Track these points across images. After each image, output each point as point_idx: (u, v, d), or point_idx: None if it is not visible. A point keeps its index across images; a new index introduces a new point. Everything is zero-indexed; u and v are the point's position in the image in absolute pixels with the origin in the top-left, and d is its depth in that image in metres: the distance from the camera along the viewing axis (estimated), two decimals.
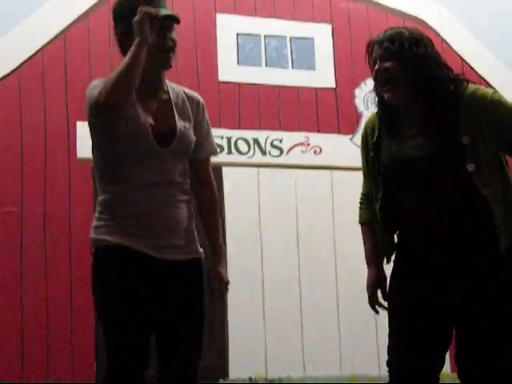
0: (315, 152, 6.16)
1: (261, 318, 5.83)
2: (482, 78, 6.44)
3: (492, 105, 2.34)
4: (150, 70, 2.43)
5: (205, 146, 2.55)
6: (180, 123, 2.44)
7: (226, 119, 5.97)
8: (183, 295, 2.39)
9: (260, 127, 6.07)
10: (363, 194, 2.60)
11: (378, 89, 2.49)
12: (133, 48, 2.30)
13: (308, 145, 6.16)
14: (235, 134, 6.00)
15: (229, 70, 6.05)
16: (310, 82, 6.30)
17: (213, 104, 5.95)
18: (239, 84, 6.03)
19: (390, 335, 2.47)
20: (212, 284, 2.51)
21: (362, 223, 2.59)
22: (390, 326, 2.48)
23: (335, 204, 5.97)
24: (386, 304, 2.51)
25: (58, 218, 5.48)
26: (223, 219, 5.85)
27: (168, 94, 2.51)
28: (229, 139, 5.98)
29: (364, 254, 2.57)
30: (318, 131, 6.21)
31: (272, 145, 6.08)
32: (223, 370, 5.67)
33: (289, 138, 6.13)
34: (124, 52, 2.44)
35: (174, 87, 2.56)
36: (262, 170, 6.00)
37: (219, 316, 5.70)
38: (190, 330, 2.40)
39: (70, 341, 5.36)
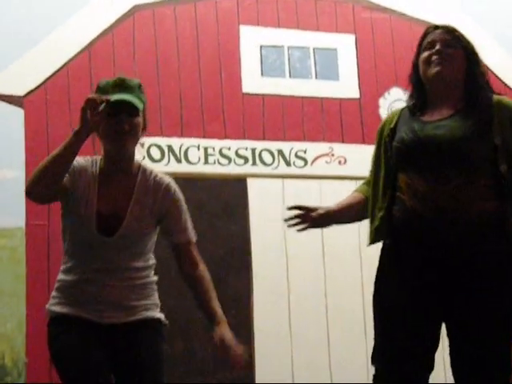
0: (339, 162, 6.15)
1: (287, 329, 5.81)
2: (508, 87, 6.40)
3: None
4: (111, 151, 2.44)
5: (174, 235, 2.59)
6: (132, 212, 2.41)
7: (250, 131, 5.98)
8: (132, 358, 2.42)
9: (284, 138, 6.07)
10: (367, 180, 2.61)
11: (418, 70, 2.48)
12: (69, 137, 2.32)
13: (332, 155, 6.15)
14: (259, 145, 6.01)
15: (252, 81, 6.06)
16: (334, 93, 6.30)
17: (237, 116, 5.97)
18: (263, 95, 6.04)
19: (377, 334, 2.44)
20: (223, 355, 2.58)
21: (356, 190, 2.59)
22: (377, 324, 2.45)
23: None
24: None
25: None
26: (248, 231, 5.86)
27: (135, 178, 2.47)
28: (253, 150, 5.99)
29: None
30: (343, 142, 6.20)
31: (296, 156, 6.08)
32: (250, 381, 5.66)
33: (313, 148, 6.13)
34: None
35: (146, 171, 2.51)
36: (286, 180, 6.00)
37: (245, 328, 5.70)
38: None
39: None
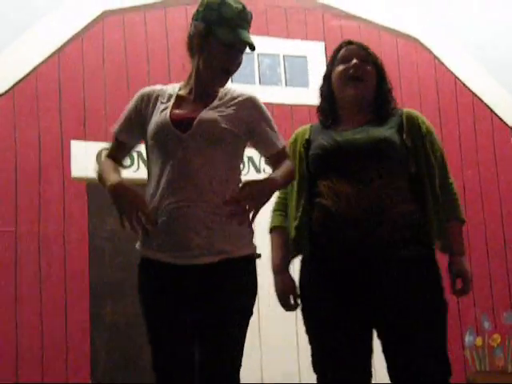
0: None
1: (256, 331, 5.81)
2: (476, 96, 6.47)
3: (427, 133, 2.47)
4: (208, 82, 2.41)
5: (262, 146, 2.51)
6: (207, 113, 2.36)
7: None
8: (214, 303, 2.27)
9: None
10: (279, 199, 2.62)
11: (330, 82, 2.50)
12: (105, 180, 2.47)
13: None
14: None
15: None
16: (304, 100, 6.32)
17: None
18: None
19: (311, 344, 2.46)
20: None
21: (274, 228, 2.59)
22: (310, 335, 2.46)
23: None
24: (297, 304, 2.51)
25: (52, 236, 5.47)
26: None
27: (215, 98, 2.44)
28: None
29: (272, 260, 2.56)
30: None
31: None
32: None
33: None
34: (191, 51, 2.57)
35: (227, 89, 2.50)
36: None
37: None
38: (223, 340, 2.26)
39: (65, 356, 5.33)
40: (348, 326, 2.37)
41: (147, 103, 2.46)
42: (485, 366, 5.86)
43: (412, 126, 2.47)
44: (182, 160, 2.30)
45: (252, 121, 2.43)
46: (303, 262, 2.52)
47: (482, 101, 6.48)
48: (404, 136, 2.43)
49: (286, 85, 6.35)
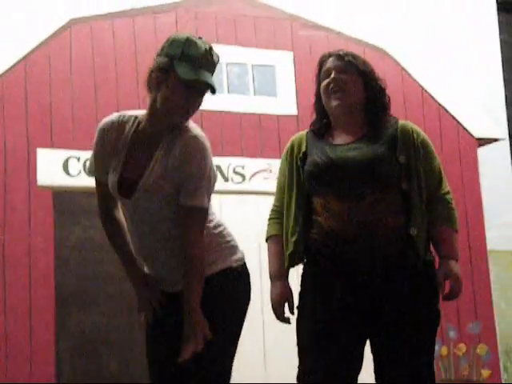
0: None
1: (262, 350, 5.78)
2: (442, 106, 6.53)
3: (422, 145, 2.47)
4: (163, 121, 2.35)
5: (180, 194, 2.35)
6: (148, 177, 2.35)
7: None
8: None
9: (222, 154, 6.08)
10: (275, 207, 2.63)
11: (321, 98, 2.55)
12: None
13: (270, 171, 6.18)
14: None
15: None
16: (272, 109, 6.34)
17: None
18: (201, 111, 6.00)
19: (302, 357, 2.47)
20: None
21: (271, 236, 2.60)
22: (301, 347, 2.47)
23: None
24: (291, 317, 2.51)
25: (18, 245, 5.41)
26: None
27: (164, 136, 2.39)
28: None
29: (269, 268, 2.57)
30: (281, 158, 6.23)
31: (234, 171, 6.10)
32: None
33: (251, 164, 6.15)
34: (149, 86, 2.43)
35: (179, 128, 2.41)
36: (224, 196, 6.00)
37: None
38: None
39: (30, 366, 5.28)
40: (343, 338, 2.39)
41: (108, 143, 2.50)
42: (450, 375, 5.89)
43: (406, 140, 2.47)
44: (137, 221, 2.39)
45: (183, 171, 2.35)
46: (302, 276, 2.54)
47: (449, 112, 6.54)
48: (397, 152, 2.44)
49: (254, 94, 6.36)
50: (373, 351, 2.44)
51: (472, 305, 6.13)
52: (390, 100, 2.58)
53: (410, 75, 6.52)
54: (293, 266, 2.53)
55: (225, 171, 6.06)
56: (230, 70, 6.30)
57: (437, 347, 2.51)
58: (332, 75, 2.52)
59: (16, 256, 5.40)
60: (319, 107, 2.62)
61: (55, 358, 5.34)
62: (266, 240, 2.65)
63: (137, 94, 5.94)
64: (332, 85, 2.52)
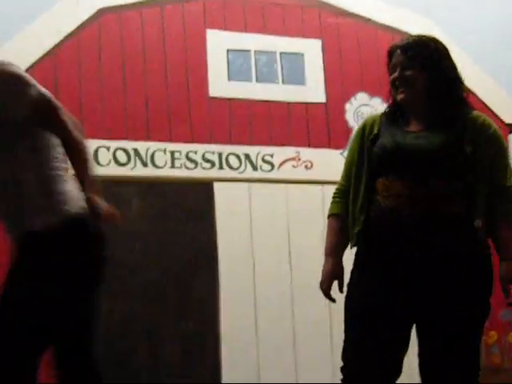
0: (306, 167, 6.17)
1: (253, 332, 5.82)
2: (472, 92, 6.47)
3: (492, 138, 2.46)
4: None
5: None
6: None
7: (216, 134, 5.98)
8: None
9: (251, 142, 6.08)
10: (341, 186, 2.64)
11: (392, 90, 2.57)
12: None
13: (299, 160, 6.17)
14: (226, 149, 6.01)
15: (219, 85, 6.06)
16: (301, 97, 6.32)
17: (203, 119, 5.97)
18: (230, 99, 6.04)
19: (347, 331, 2.47)
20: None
21: (333, 214, 2.61)
22: (349, 320, 2.48)
23: (326, 218, 5.96)
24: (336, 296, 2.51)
25: None
26: (215, 234, 5.86)
27: None
28: (220, 154, 5.99)
29: (325, 244, 2.57)
30: (309, 146, 6.22)
31: (263, 160, 6.10)
32: (216, 382, 5.67)
33: (280, 152, 6.14)
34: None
35: None
36: (253, 184, 6.00)
37: (212, 331, 5.70)
38: None
39: None
40: (390, 318, 2.40)
41: None
42: (481, 362, 5.86)
43: (476, 131, 2.47)
44: None
45: None
46: (357, 254, 2.55)
47: (479, 98, 6.48)
48: (465, 143, 2.44)
49: (282, 82, 6.35)
50: (418, 336, 2.44)
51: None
52: (463, 90, 2.57)
53: None
54: (357, 245, 2.55)
55: (254, 160, 6.06)
56: (259, 58, 6.29)
57: None
58: (396, 72, 2.54)
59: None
60: (392, 95, 2.63)
61: None
62: (328, 217, 2.65)
63: (165, 84, 5.96)
64: (398, 82, 2.54)
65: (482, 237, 2.41)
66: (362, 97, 6.41)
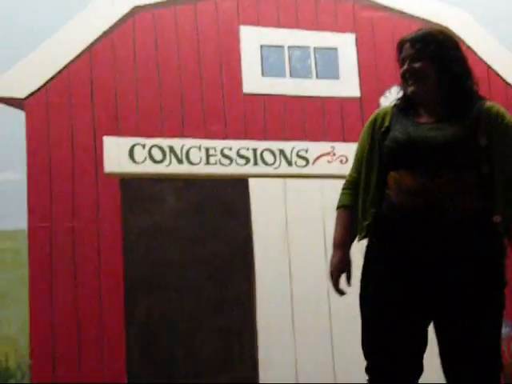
0: (341, 161, 6.15)
1: (290, 328, 5.81)
2: (508, 84, 6.40)
3: (507, 128, 2.43)
4: None
5: None
6: None
7: (251, 131, 5.99)
8: None
9: (285, 138, 6.08)
10: (351, 177, 2.63)
11: (403, 84, 2.57)
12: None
13: (334, 154, 6.16)
14: (261, 145, 6.01)
15: (253, 81, 6.06)
16: (335, 92, 6.30)
17: (238, 116, 5.97)
18: (264, 95, 6.04)
19: (365, 330, 2.47)
20: None
21: (342, 206, 2.61)
22: (364, 319, 2.48)
23: None
24: (346, 289, 2.56)
25: (86, 233, 5.51)
26: (250, 231, 5.87)
27: None
28: (254, 150, 6.00)
29: (334, 236, 2.58)
30: (344, 141, 6.20)
31: (298, 155, 6.09)
32: (254, 382, 5.67)
33: (314, 148, 6.13)
34: None
35: None
36: (288, 180, 6.00)
37: (248, 327, 5.71)
38: None
39: (100, 352, 5.38)
40: (407, 313, 2.39)
41: None
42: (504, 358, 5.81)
43: (490, 122, 2.45)
44: None
45: None
46: (368, 248, 2.55)
47: None
48: (478, 134, 2.42)
49: (316, 77, 6.33)
50: (437, 332, 2.43)
51: None
52: (475, 82, 2.55)
53: (475, 53, 6.40)
54: (367, 237, 2.54)
55: (288, 155, 6.05)
56: (292, 53, 6.28)
57: (507, 330, 2.48)
58: (405, 66, 2.54)
59: (85, 243, 5.50)
60: (403, 87, 2.62)
61: (125, 344, 5.43)
62: (337, 208, 2.66)
63: (199, 81, 5.98)
64: (406, 74, 2.54)
65: (500, 232, 2.38)
66: (396, 90, 6.36)
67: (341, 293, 2.57)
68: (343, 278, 2.61)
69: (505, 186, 2.39)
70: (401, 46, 2.59)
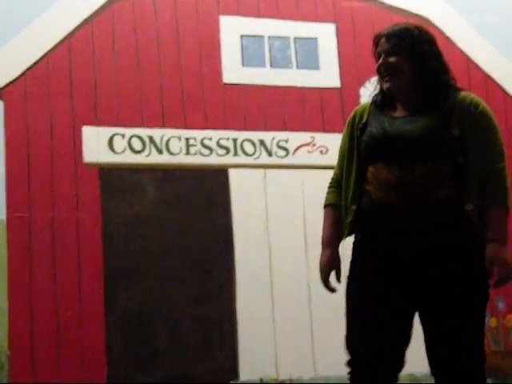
0: (321, 152, 6.16)
1: (270, 319, 5.83)
2: (487, 76, 6.42)
3: (480, 116, 2.46)
4: None
5: None
6: None
7: (231, 121, 5.98)
8: None
9: (265, 128, 6.08)
10: (335, 175, 2.66)
11: (379, 79, 2.60)
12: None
13: (314, 145, 6.16)
14: (241, 135, 6.00)
15: (233, 71, 6.05)
16: (315, 82, 6.30)
17: (218, 106, 5.96)
18: (244, 85, 6.03)
19: (348, 325, 2.50)
20: None
21: (329, 205, 2.64)
22: (348, 314, 2.50)
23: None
24: (337, 286, 2.57)
25: (66, 223, 5.49)
26: (231, 221, 5.87)
27: None
28: (235, 141, 5.99)
29: (322, 234, 2.61)
30: (324, 131, 6.21)
31: (278, 145, 6.09)
32: (234, 372, 5.68)
33: (295, 138, 6.13)
34: None
35: None
36: (268, 170, 6.00)
37: (228, 318, 5.71)
38: None
39: (80, 341, 5.37)
40: (389, 308, 2.41)
41: None
42: (499, 346, 5.86)
43: (463, 112, 2.46)
44: None
45: None
46: (354, 245, 2.57)
47: (495, 81, 6.44)
48: (451, 125, 2.44)
49: (296, 67, 6.33)
50: (422, 323, 2.45)
51: None
52: (451, 77, 2.57)
53: (454, 44, 6.42)
54: (352, 234, 2.56)
55: (268, 145, 6.05)
56: (272, 43, 6.27)
57: (486, 319, 2.49)
58: (381, 59, 2.56)
59: (64, 233, 5.48)
60: (379, 83, 2.64)
61: (105, 333, 5.42)
62: (324, 207, 2.67)
63: (179, 71, 5.96)
64: (381, 68, 2.56)
65: (474, 220, 2.38)
66: (376, 82, 6.38)
67: (331, 290, 2.59)
68: (333, 275, 2.62)
69: (478, 174, 2.40)
70: (377, 40, 2.61)
